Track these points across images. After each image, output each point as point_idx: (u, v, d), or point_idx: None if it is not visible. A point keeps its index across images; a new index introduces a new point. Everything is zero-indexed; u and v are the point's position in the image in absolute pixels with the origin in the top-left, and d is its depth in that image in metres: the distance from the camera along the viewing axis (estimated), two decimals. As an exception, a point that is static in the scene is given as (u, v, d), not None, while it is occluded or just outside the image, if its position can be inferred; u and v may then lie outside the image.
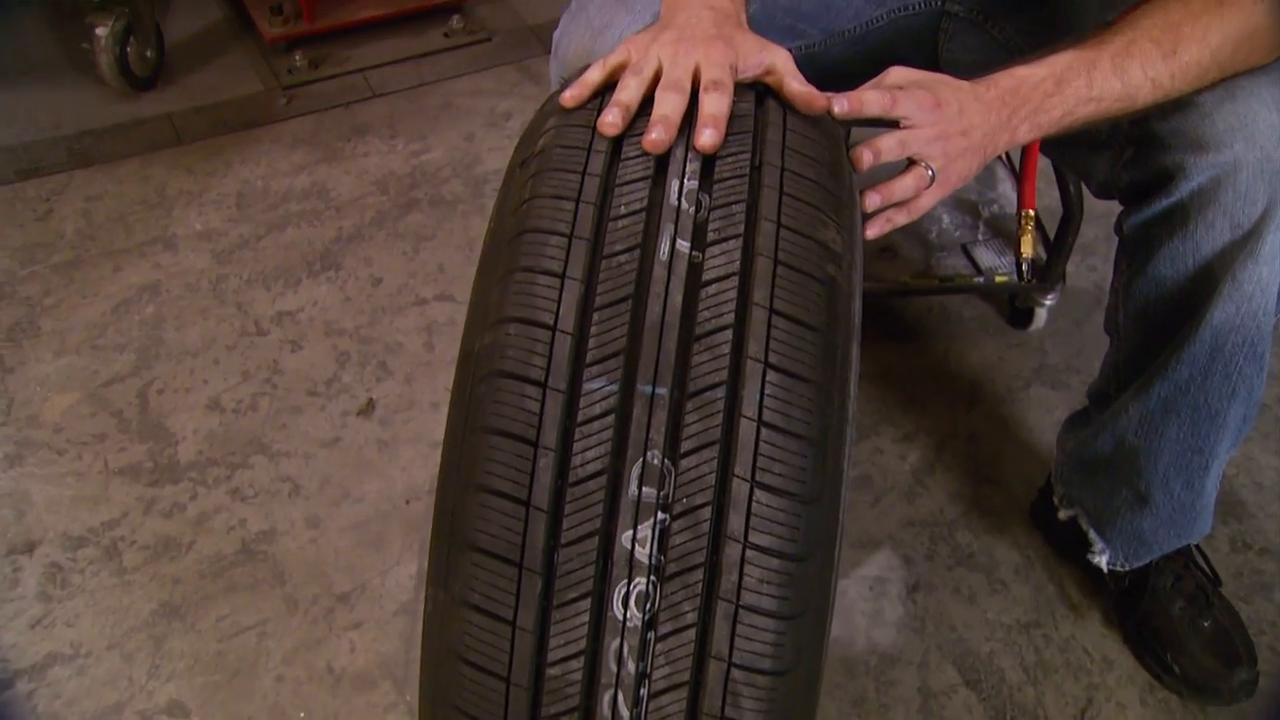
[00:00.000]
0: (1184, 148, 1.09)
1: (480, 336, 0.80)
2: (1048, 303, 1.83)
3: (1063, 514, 1.46)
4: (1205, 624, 1.38)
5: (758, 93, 0.90)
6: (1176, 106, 1.08)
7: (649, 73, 0.88)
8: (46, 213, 1.98)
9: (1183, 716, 1.36)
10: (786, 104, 0.89)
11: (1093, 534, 1.41)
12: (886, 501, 1.60)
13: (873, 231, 1.00)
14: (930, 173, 0.96)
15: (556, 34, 1.26)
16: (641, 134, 0.84)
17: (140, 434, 1.63)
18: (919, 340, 1.86)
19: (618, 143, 0.84)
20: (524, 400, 0.75)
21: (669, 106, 0.85)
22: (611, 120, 0.85)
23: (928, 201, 0.99)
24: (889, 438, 1.69)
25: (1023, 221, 1.71)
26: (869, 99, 0.93)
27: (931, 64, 1.44)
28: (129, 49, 2.17)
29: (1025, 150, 1.67)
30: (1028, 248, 1.69)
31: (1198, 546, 1.44)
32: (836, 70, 1.37)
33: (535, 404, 0.75)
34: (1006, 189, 1.92)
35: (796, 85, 0.90)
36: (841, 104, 0.92)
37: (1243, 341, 1.15)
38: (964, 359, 1.82)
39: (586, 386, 0.76)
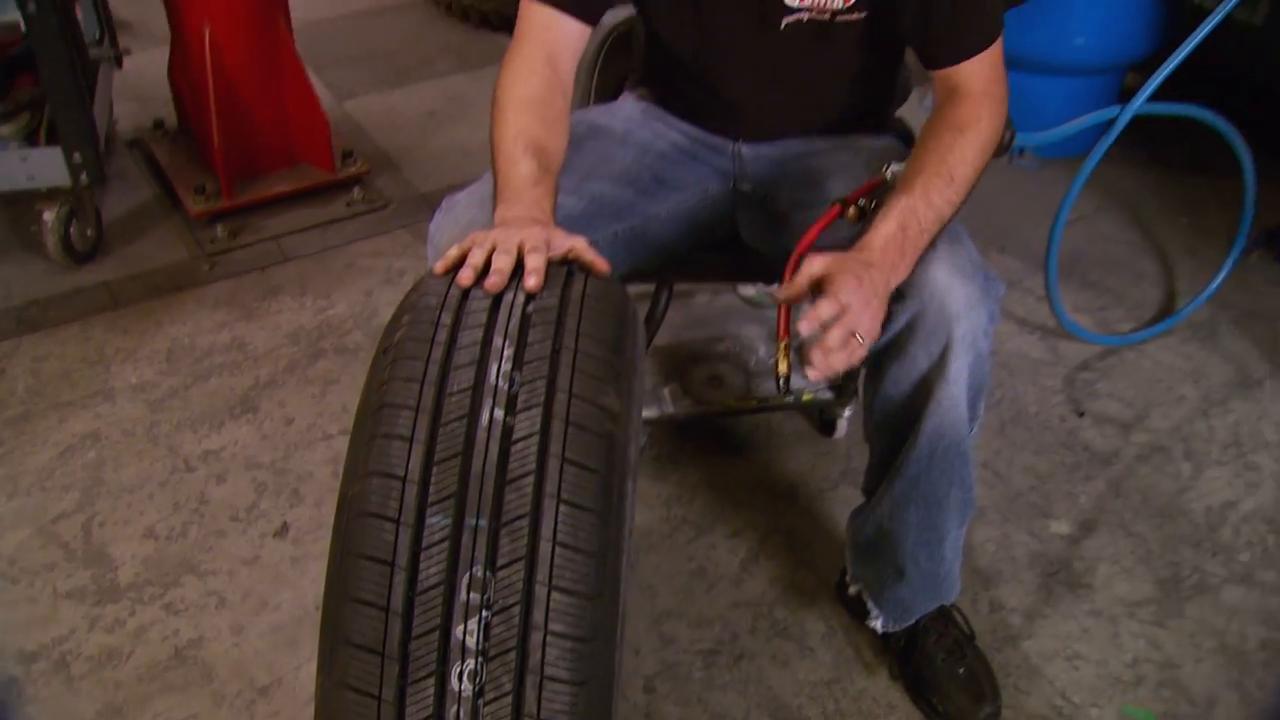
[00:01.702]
0: (892, 298, 1.35)
1: (353, 485, 1.00)
2: (846, 414, 2.07)
3: (852, 589, 1.68)
4: (960, 671, 1.60)
5: (564, 281, 1.13)
6: None
7: (489, 246, 1.12)
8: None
9: (945, 748, 1.57)
10: (584, 295, 1.13)
11: (870, 603, 1.63)
12: (719, 588, 1.79)
13: (815, 377, 1.25)
14: (862, 340, 1.22)
15: (431, 227, 1.48)
16: (473, 327, 1.07)
17: (85, 561, 1.78)
18: (746, 452, 2.06)
19: (454, 336, 1.06)
20: (383, 533, 0.96)
21: (502, 262, 1.10)
22: (465, 276, 1.10)
23: (860, 355, 1.23)
24: (721, 534, 1.89)
25: (777, 348, 1.92)
26: (825, 314, 1.20)
27: (731, 231, 1.68)
28: (72, 229, 2.31)
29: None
30: (784, 367, 1.88)
31: (957, 609, 1.66)
32: (657, 243, 1.61)
33: (391, 535, 0.96)
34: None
35: (589, 255, 1.16)
36: (816, 364, 1.23)
37: (950, 443, 1.40)
38: (783, 466, 2.03)
39: (428, 521, 0.96)
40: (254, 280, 2.40)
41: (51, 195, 2.27)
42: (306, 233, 2.55)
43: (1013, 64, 2.71)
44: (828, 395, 2.01)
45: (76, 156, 2.16)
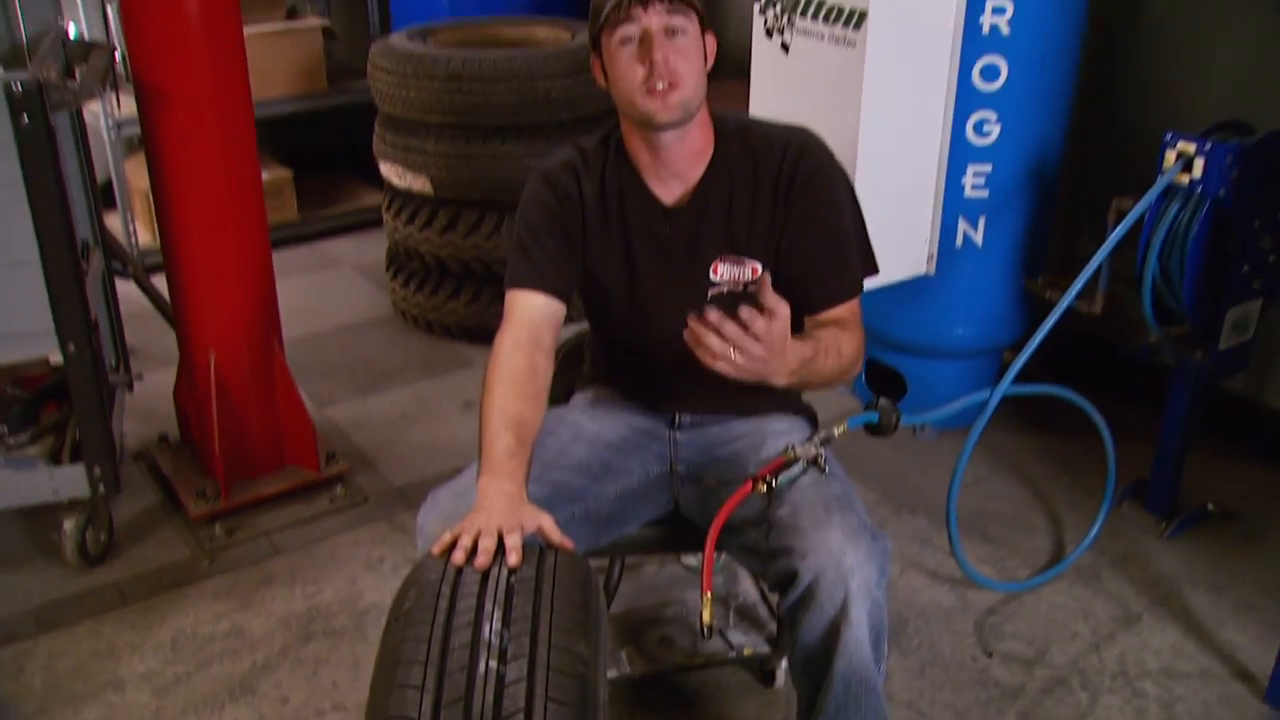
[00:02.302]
0: (796, 558, 1.61)
1: (375, 730, 1.22)
2: (784, 665, 2.27)
3: (796, 825, 1.85)
4: None
5: (539, 557, 1.39)
6: (792, 529, 1.63)
7: (475, 531, 1.40)
8: (19, 671, 2.25)
9: None
10: (555, 567, 1.38)
11: (812, 837, 1.79)
12: (680, 831, 1.95)
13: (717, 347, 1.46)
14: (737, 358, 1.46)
15: (420, 517, 1.71)
16: (468, 595, 1.32)
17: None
18: (697, 705, 2.21)
19: (452, 604, 1.31)
20: (403, 767, 1.17)
21: (487, 544, 1.37)
22: (459, 557, 1.37)
23: (724, 365, 1.47)
24: (679, 783, 2.06)
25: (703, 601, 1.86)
26: (758, 328, 1.45)
27: (672, 507, 1.94)
28: (88, 535, 2.50)
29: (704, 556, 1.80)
30: (708, 617, 1.73)
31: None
32: (609, 520, 1.86)
33: (409, 769, 1.17)
34: (748, 585, 2.42)
35: (555, 536, 1.44)
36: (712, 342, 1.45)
37: (860, 681, 1.62)
38: (730, 717, 2.19)
39: (438, 756, 1.18)
40: (249, 573, 2.57)
41: (71, 506, 2.48)
42: (295, 528, 2.73)
43: (904, 349, 3.13)
44: (765, 649, 2.23)
45: (97, 470, 2.41)
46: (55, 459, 2.54)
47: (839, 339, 1.71)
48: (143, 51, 2.46)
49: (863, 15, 2.52)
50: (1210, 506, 2.78)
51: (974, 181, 2.86)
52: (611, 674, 2.16)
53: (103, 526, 2.56)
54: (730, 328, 1.42)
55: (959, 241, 2.93)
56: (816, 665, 1.64)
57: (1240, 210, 2.35)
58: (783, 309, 1.46)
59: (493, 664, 1.24)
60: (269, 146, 4.54)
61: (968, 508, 2.85)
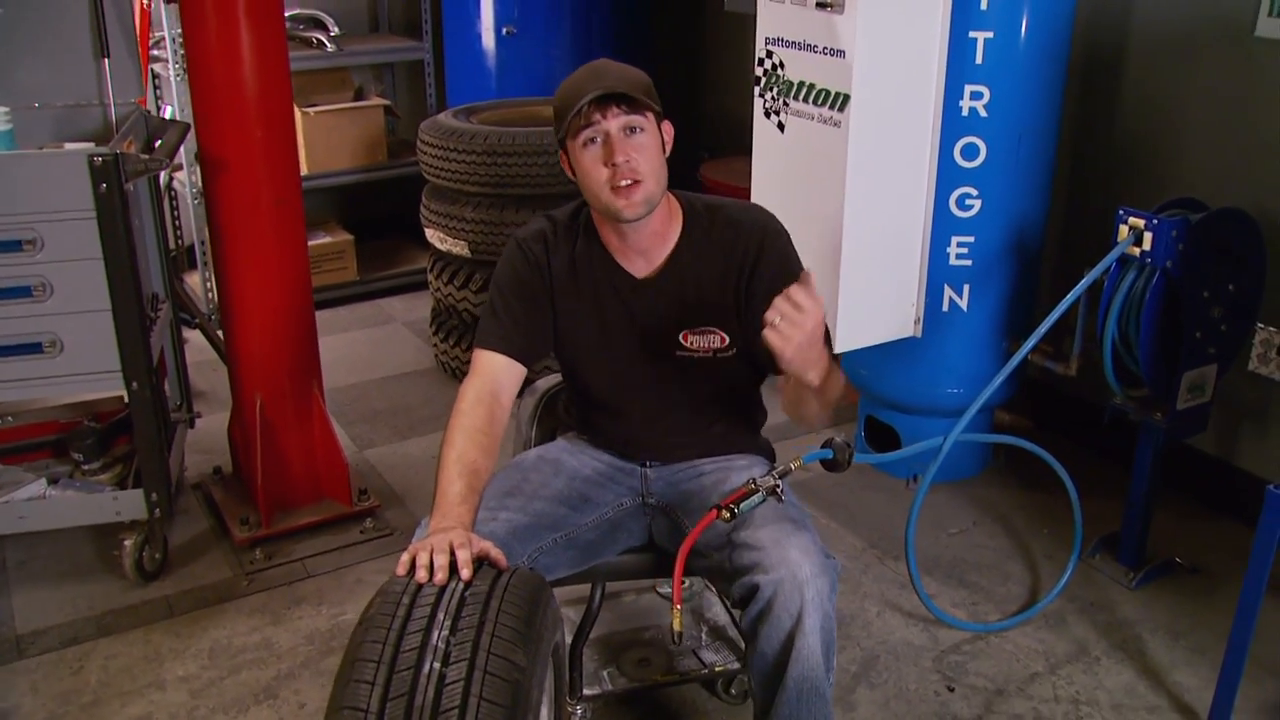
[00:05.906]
0: (758, 573, 1.70)
1: (331, 717, 1.34)
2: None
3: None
4: None
5: (495, 574, 1.51)
6: (754, 548, 1.72)
7: (429, 548, 1.51)
8: (79, 669, 2.41)
9: None
10: (507, 585, 1.49)
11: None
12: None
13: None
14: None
15: (415, 538, 1.85)
16: (423, 605, 1.44)
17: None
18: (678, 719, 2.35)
19: (409, 613, 1.43)
20: (350, 749, 1.30)
21: (441, 561, 1.49)
22: (421, 574, 1.48)
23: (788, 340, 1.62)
24: (651, 795, 2.14)
25: (673, 614, 1.69)
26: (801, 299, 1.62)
27: (646, 537, 2.05)
28: (144, 553, 2.67)
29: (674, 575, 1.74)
30: (678, 626, 1.71)
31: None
32: (586, 547, 1.96)
33: (354, 752, 1.29)
34: (719, 609, 2.49)
35: (495, 553, 1.54)
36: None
37: (811, 689, 1.69)
38: None
39: (379, 745, 1.30)
40: (282, 592, 2.71)
41: (131, 526, 2.65)
42: (327, 554, 2.87)
43: (900, 408, 3.19)
44: (735, 666, 2.32)
45: (154, 496, 2.58)
46: (122, 485, 2.73)
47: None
48: (206, 127, 2.68)
49: (846, 98, 2.64)
50: (1178, 559, 2.80)
51: (958, 251, 2.94)
52: (595, 691, 2.26)
53: (157, 546, 2.72)
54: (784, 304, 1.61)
55: (945, 306, 3.01)
56: (772, 673, 1.72)
57: (1189, 281, 2.41)
58: (819, 309, 1.61)
59: (436, 665, 1.36)
60: (335, 213, 4.80)
61: (950, 555, 2.91)
